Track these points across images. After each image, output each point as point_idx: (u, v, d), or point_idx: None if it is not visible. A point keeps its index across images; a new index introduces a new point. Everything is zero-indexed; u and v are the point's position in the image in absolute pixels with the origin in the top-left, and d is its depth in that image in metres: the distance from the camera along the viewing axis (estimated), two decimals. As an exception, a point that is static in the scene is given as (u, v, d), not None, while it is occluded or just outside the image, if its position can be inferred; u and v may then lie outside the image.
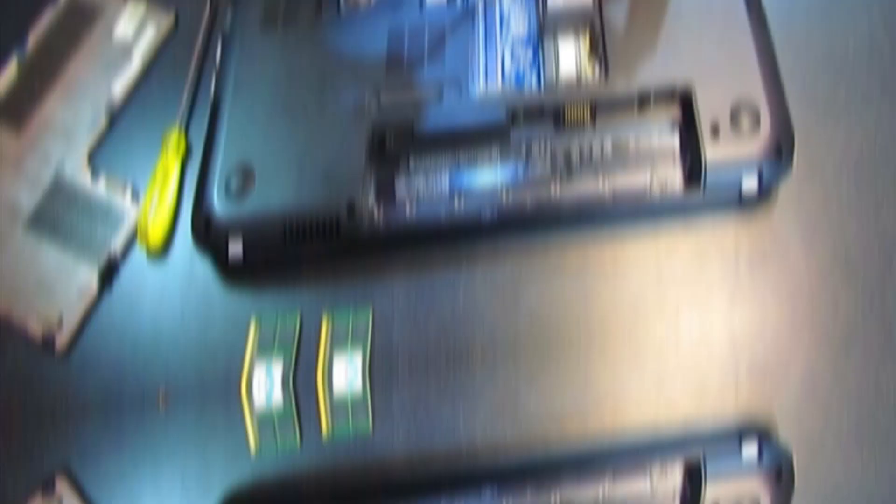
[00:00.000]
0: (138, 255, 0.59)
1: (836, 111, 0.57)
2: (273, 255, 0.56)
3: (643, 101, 0.56)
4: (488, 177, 0.56)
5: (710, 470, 0.48)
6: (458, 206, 0.55)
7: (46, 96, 0.63)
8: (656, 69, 0.56)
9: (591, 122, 0.57)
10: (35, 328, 0.58)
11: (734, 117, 0.54)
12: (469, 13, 0.60)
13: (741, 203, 0.55)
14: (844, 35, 0.59)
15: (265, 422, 0.53)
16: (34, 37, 0.65)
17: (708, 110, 0.55)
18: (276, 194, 0.55)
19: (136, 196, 0.59)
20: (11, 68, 0.65)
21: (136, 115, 0.62)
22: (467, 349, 0.54)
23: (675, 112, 0.56)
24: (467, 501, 0.51)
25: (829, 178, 0.56)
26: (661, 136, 0.57)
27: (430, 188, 0.56)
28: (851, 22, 0.59)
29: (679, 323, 0.53)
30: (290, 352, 0.54)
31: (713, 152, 0.53)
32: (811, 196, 0.56)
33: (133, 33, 0.64)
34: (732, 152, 0.54)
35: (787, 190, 0.56)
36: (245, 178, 0.55)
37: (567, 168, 0.56)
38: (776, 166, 0.54)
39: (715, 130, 0.54)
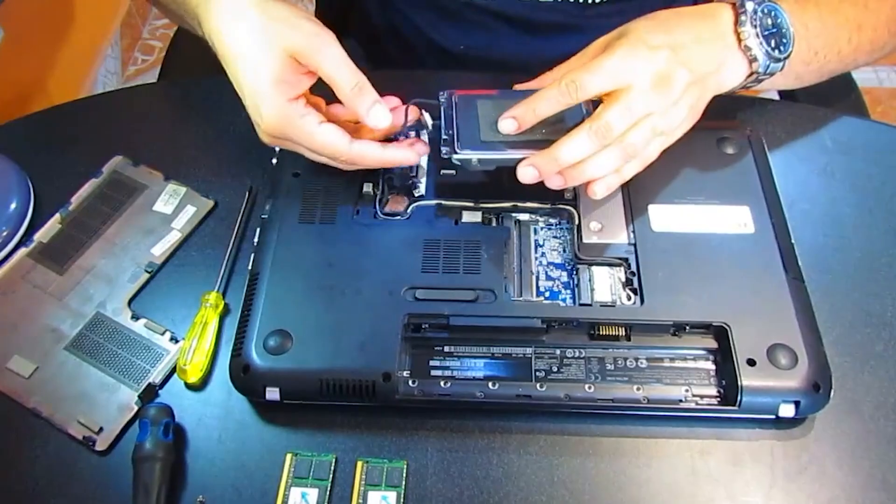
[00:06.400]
0: (177, 382, 0.65)
1: (874, 360, 0.64)
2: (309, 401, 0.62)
3: (678, 329, 0.62)
4: (522, 370, 0.62)
5: None
6: (492, 388, 0.61)
7: (88, 247, 0.71)
8: (692, 307, 0.62)
9: (626, 338, 0.63)
10: (76, 433, 0.62)
11: (771, 355, 0.60)
12: (503, 234, 0.68)
13: (777, 421, 0.60)
14: (882, 299, 0.68)
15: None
16: (76, 199, 0.74)
17: (745, 346, 0.60)
18: (312, 355, 0.61)
19: (174, 340, 0.66)
20: (54, 220, 0.73)
21: (175, 275, 0.71)
22: (501, 506, 0.59)
23: (710, 342, 0.62)
24: None
25: (868, 413, 0.62)
26: (697, 360, 0.62)
27: (464, 371, 0.62)
28: (888, 288, 0.68)
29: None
30: (325, 484, 0.59)
31: (750, 380, 0.59)
32: (850, 426, 0.61)
33: (172, 210, 0.74)
34: (770, 382, 0.59)
35: (826, 417, 0.61)
36: (283, 339, 0.62)
37: (601, 373, 0.62)
38: (813, 399, 0.59)
39: (751, 362, 0.59)
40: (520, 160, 0.64)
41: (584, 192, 0.66)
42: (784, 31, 0.68)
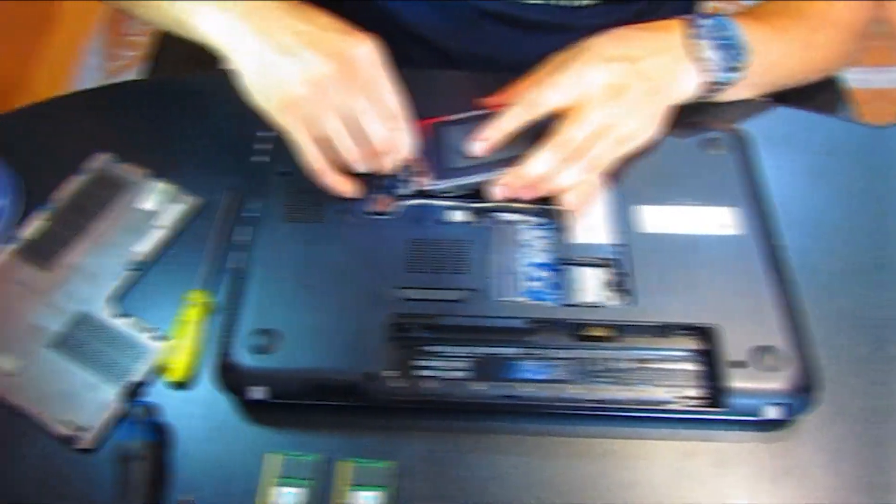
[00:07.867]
0: (163, 381, 0.64)
1: (860, 363, 0.64)
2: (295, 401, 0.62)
3: (665, 330, 0.62)
4: (508, 370, 0.62)
5: None
6: (478, 388, 0.61)
7: (73, 245, 0.71)
8: (679, 308, 0.62)
9: (612, 339, 0.63)
10: (61, 431, 0.61)
11: (758, 357, 0.59)
12: (489, 233, 0.68)
13: (763, 424, 0.60)
14: (869, 301, 0.68)
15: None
16: (61, 197, 0.73)
17: (732, 348, 0.60)
18: (299, 354, 0.61)
19: (160, 338, 0.66)
20: (39, 217, 0.72)
21: (159, 272, 0.70)
22: (490, 506, 0.59)
23: (697, 343, 0.62)
24: None
25: (854, 416, 0.62)
26: (684, 361, 0.62)
27: (450, 371, 0.62)
28: (875, 291, 0.68)
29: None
30: (312, 483, 0.59)
31: (736, 382, 0.59)
32: (835, 429, 0.61)
33: (158, 208, 0.73)
34: (757, 384, 0.59)
35: (811, 419, 0.61)
36: (269, 338, 0.62)
37: (588, 374, 0.61)
38: (801, 401, 0.60)
39: (738, 364, 0.59)
40: (491, 180, 0.69)
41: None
42: (736, 42, 0.72)
